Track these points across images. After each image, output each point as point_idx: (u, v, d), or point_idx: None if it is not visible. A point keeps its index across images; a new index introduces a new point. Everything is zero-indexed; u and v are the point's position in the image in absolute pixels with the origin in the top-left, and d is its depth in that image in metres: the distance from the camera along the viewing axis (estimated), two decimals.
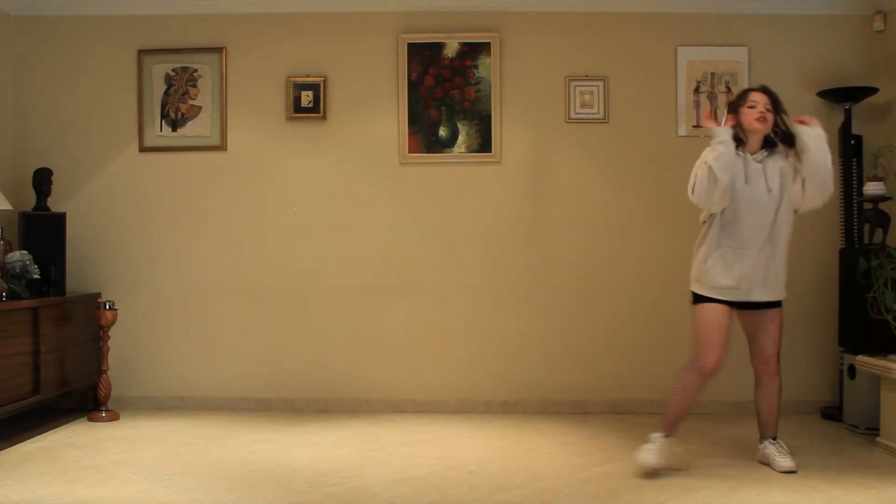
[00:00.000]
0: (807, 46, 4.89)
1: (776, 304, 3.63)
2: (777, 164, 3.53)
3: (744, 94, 3.60)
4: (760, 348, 3.67)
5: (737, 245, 3.51)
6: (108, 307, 4.67)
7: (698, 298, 3.60)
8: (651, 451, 3.50)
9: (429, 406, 4.91)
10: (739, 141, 3.54)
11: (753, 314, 3.63)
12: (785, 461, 3.55)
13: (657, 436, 3.56)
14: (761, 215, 3.48)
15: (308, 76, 4.97)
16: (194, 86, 5.01)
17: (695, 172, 3.51)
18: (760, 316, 3.63)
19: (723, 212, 3.52)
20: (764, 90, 3.57)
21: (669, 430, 3.58)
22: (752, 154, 3.53)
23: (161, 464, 3.73)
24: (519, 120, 4.94)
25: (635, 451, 3.57)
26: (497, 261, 4.93)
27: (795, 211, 3.58)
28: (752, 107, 3.52)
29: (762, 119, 3.49)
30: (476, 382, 4.91)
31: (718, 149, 3.44)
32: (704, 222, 3.64)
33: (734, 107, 3.59)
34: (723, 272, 3.52)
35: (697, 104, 4.88)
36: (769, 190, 3.49)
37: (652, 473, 3.48)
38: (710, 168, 3.42)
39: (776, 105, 3.55)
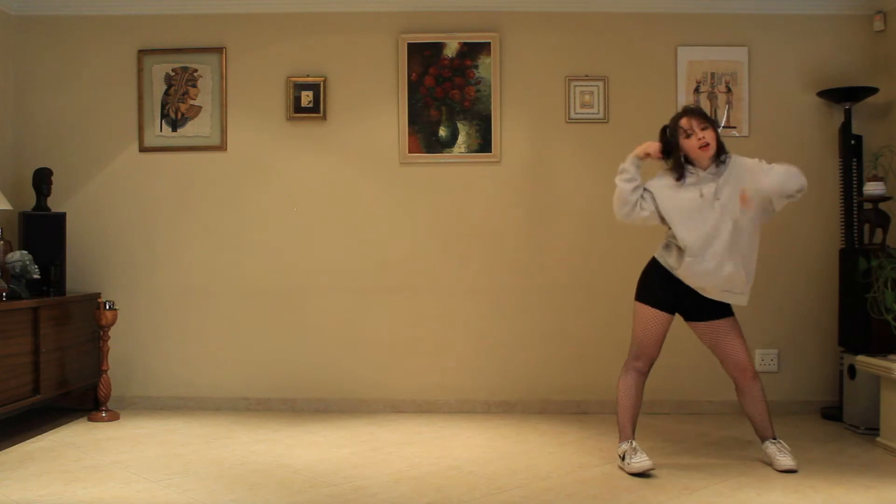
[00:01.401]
0: (807, 46, 4.89)
1: (728, 314, 3.63)
2: (734, 175, 3.51)
3: (675, 124, 3.57)
4: (731, 357, 3.62)
5: (695, 255, 3.49)
6: (108, 307, 4.67)
7: (640, 293, 3.67)
8: (636, 459, 3.52)
9: (429, 406, 4.91)
10: (689, 162, 3.56)
11: (708, 325, 3.63)
12: (785, 460, 3.56)
13: (625, 446, 3.60)
14: (717, 227, 3.47)
15: (308, 76, 4.97)
16: (194, 86, 5.01)
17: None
18: (716, 327, 3.62)
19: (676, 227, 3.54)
20: (689, 113, 3.57)
21: (628, 434, 3.63)
22: (704, 170, 3.54)
23: (161, 464, 3.73)
24: (519, 120, 4.94)
25: (624, 467, 3.57)
26: (497, 260, 4.93)
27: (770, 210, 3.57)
28: (688, 136, 3.52)
29: (705, 147, 3.50)
30: (476, 382, 4.92)
31: (622, 176, 3.60)
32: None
33: (672, 138, 3.56)
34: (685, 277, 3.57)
35: (698, 104, 4.87)
36: (717, 199, 3.48)
37: (650, 472, 3.50)
38: (618, 189, 3.61)
39: (709, 120, 3.55)
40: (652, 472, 3.50)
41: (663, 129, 3.66)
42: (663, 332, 3.65)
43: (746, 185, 3.48)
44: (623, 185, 3.61)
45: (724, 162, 3.55)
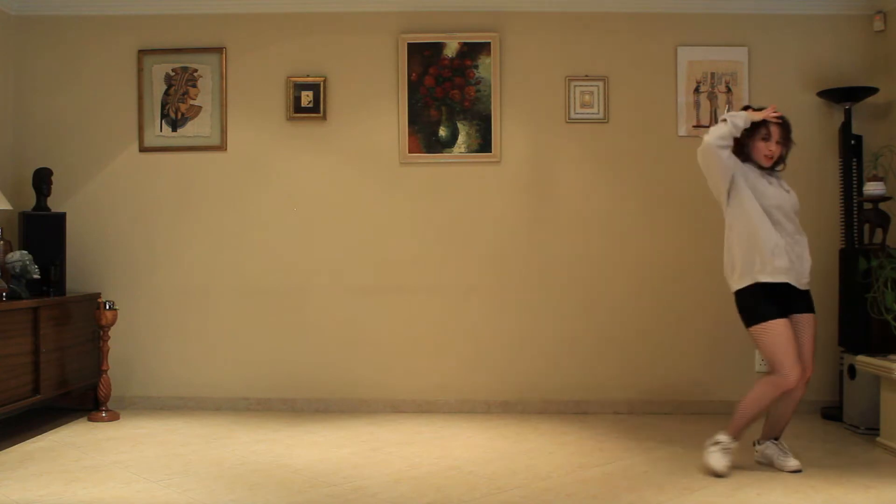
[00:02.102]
0: (807, 46, 4.89)
1: (811, 310, 3.62)
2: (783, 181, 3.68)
3: (764, 122, 3.59)
4: (801, 354, 3.54)
5: (779, 238, 3.51)
6: (108, 307, 4.67)
7: (754, 316, 3.52)
8: (720, 456, 3.51)
9: (429, 406, 4.91)
10: (747, 156, 3.64)
11: (795, 318, 3.58)
12: (792, 461, 3.56)
13: (726, 439, 3.55)
14: (787, 211, 3.56)
15: (308, 76, 4.97)
16: (194, 86, 5.01)
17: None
18: (799, 321, 3.58)
19: (755, 216, 3.54)
20: (781, 124, 3.62)
21: (738, 435, 3.58)
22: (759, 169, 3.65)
23: (161, 464, 3.73)
24: (519, 120, 4.94)
25: (704, 456, 3.56)
26: (497, 260, 4.93)
27: None
28: (765, 139, 3.58)
29: (769, 158, 3.60)
30: (476, 382, 4.91)
31: (734, 124, 3.53)
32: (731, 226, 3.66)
33: (748, 129, 3.59)
34: (779, 260, 3.52)
35: (697, 104, 4.88)
36: (787, 191, 3.62)
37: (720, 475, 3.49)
38: (726, 128, 3.51)
39: (788, 142, 3.64)
40: (722, 475, 3.49)
41: (746, 108, 3.73)
42: (792, 335, 3.49)
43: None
44: (730, 128, 3.51)
45: (778, 169, 3.68)
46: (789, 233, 3.55)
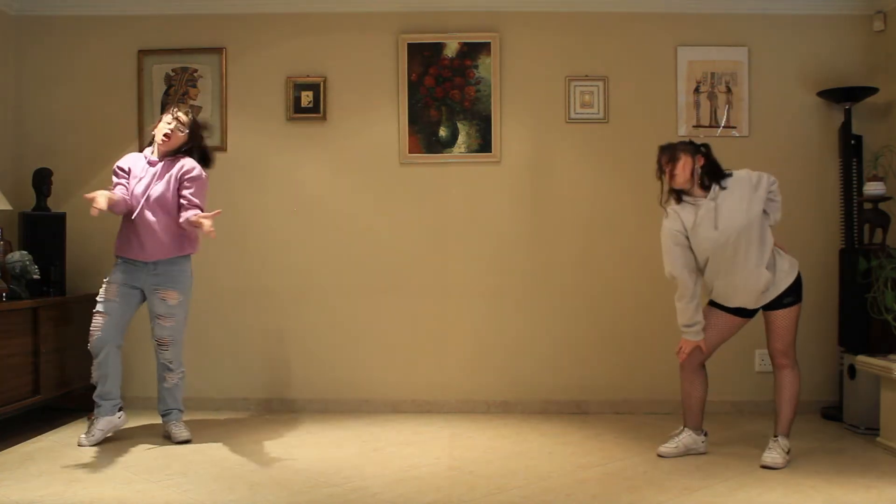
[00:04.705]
0: (807, 46, 4.89)
1: (784, 306, 3.71)
2: (735, 194, 3.65)
3: (658, 162, 3.79)
4: (768, 343, 3.79)
5: (721, 278, 3.72)
6: None
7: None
8: (668, 445, 3.86)
9: (429, 406, 4.91)
10: (681, 194, 3.76)
11: (765, 314, 3.79)
12: (767, 456, 3.63)
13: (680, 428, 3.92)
14: (723, 249, 3.64)
15: (308, 76, 4.97)
16: (194, 86, 5.01)
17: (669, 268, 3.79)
18: (768, 318, 3.77)
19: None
20: (663, 150, 3.76)
21: (685, 422, 3.90)
22: (699, 196, 3.72)
23: (161, 464, 3.73)
24: (519, 120, 4.94)
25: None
26: (497, 261, 4.93)
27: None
28: (666, 174, 3.76)
29: (672, 181, 3.73)
30: (476, 382, 4.91)
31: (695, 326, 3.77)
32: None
33: (660, 173, 3.79)
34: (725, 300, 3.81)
35: (697, 104, 4.88)
36: (716, 228, 3.63)
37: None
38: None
39: (670, 158, 3.74)
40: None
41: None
42: (722, 329, 3.83)
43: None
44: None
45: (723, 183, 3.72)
46: (729, 270, 3.68)
